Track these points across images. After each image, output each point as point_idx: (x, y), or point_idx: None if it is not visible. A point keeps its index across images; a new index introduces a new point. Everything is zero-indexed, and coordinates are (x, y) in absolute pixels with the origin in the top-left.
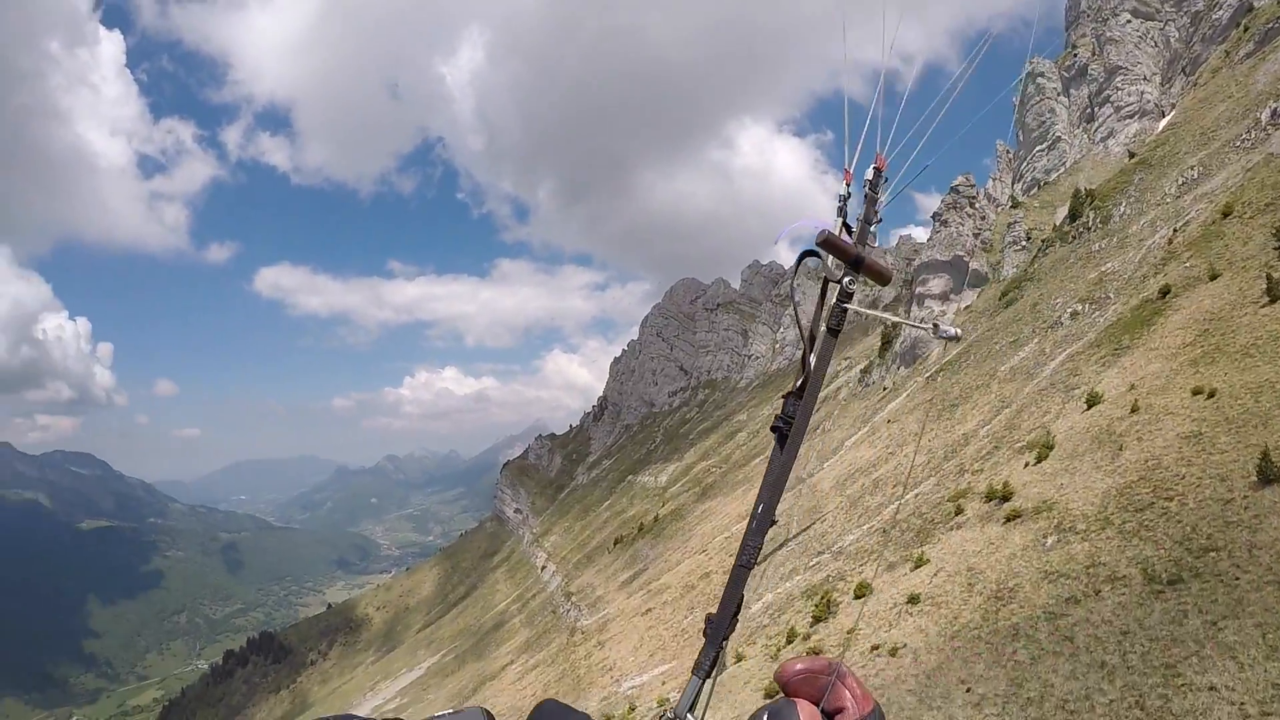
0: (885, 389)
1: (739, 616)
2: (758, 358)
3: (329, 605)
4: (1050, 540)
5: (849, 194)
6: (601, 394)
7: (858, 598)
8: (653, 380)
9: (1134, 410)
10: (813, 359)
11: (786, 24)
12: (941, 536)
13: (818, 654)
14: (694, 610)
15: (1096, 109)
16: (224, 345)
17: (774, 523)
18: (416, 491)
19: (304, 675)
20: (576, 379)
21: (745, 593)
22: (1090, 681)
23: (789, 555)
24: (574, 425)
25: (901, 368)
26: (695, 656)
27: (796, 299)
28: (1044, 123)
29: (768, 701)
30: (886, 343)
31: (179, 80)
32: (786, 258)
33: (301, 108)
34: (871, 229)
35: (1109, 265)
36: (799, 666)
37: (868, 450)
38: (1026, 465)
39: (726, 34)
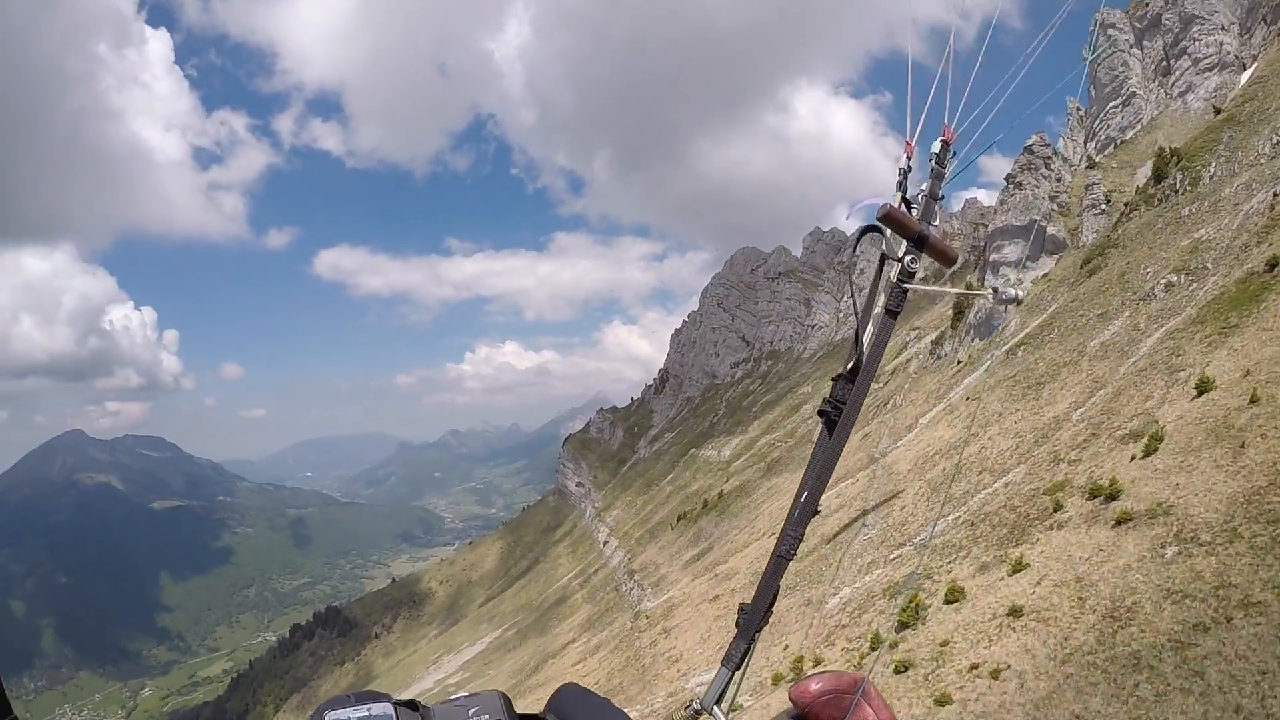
0: (959, 362)
1: (774, 609)
2: (821, 327)
3: (393, 579)
4: (1170, 551)
5: (910, 167)
6: (662, 366)
7: (949, 603)
8: (714, 351)
9: (1253, 401)
10: (866, 341)
11: None
12: (1040, 536)
13: (843, 672)
14: None
15: (1173, 61)
16: (287, 327)
17: (817, 512)
18: (479, 465)
19: (368, 648)
20: (637, 351)
21: (781, 584)
22: None
23: (867, 546)
24: (635, 398)
25: (976, 339)
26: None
27: (854, 277)
28: (1117, 77)
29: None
30: (959, 313)
31: (228, 73)
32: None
33: (351, 92)
34: (937, 205)
35: (1203, 232)
36: (819, 687)
37: (946, 430)
38: (1133, 459)
39: None
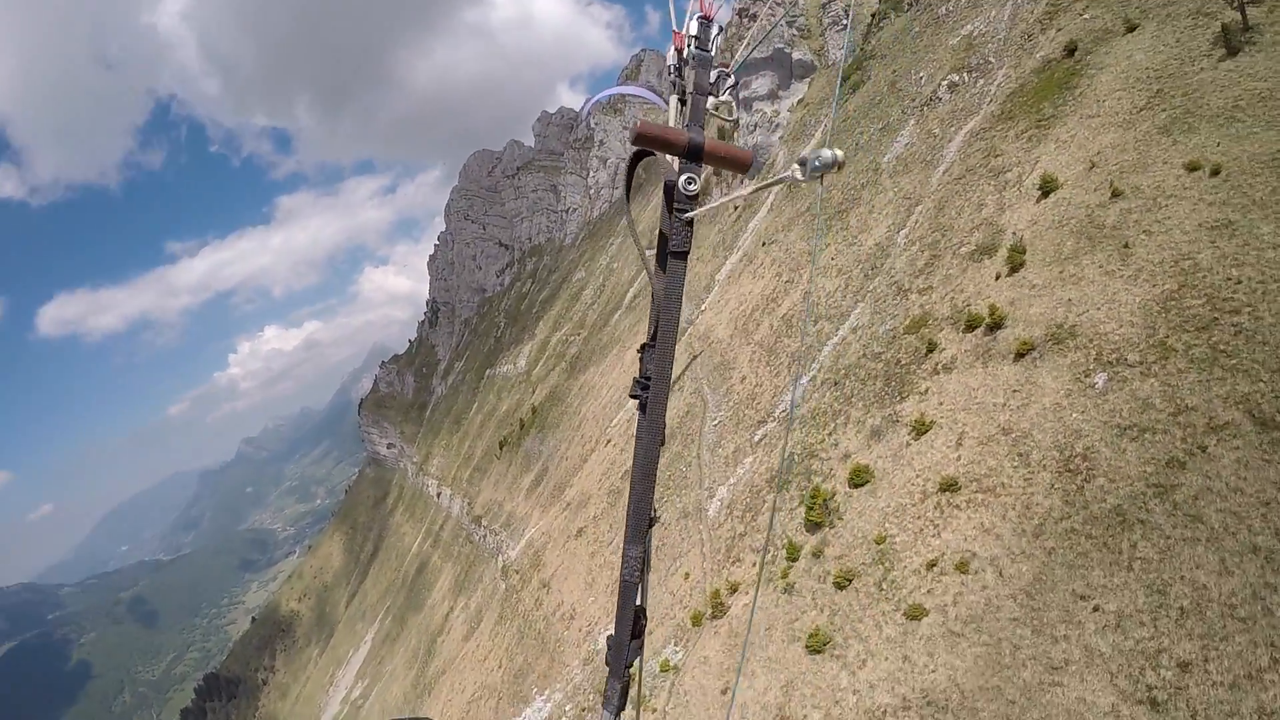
0: (735, 207)
1: (642, 638)
2: (575, 209)
3: (253, 616)
4: (1100, 380)
5: (682, 61)
6: (429, 297)
7: (858, 485)
8: (475, 265)
9: (1115, 194)
10: (660, 292)
11: None
12: (927, 384)
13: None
14: None
15: None
16: (34, 406)
17: (655, 520)
18: (286, 463)
19: (263, 698)
20: (397, 289)
21: (643, 605)
22: (1250, 574)
23: (722, 433)
24: (412, 339)
25: (744, 180)
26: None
27: (632, 221)
28: None
29: None
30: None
31: None
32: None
33: (14, 123)
34: (712, 102)
35: (970, 27)
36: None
37: (753, 283)
38: (999, 277)
39: None
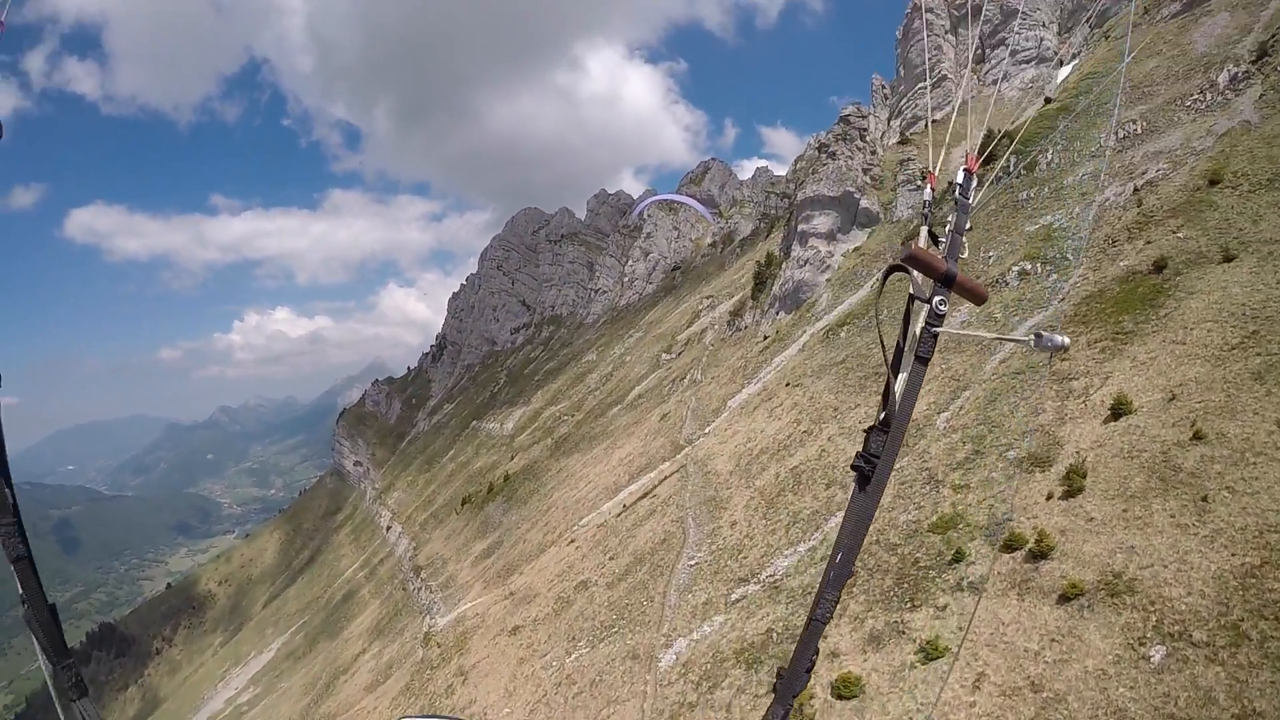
0: (766, 337)
1: (812, 672)
2: (605, 291)
3: (170, 581)
4: (1158, 654)
5: (933, 198)
6: (440, 332)
7: (843, 697)
8: (494, 316)
9: (1197, 437)
10: (898, 389)
11: None
12: (949, 601)
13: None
14: (576, 644)
15: (989, 50)
16: (36, 299)
17: (853, 574)
18: (255, 443)
19: (151, 667)
20: (415, 314)
21: (820, 646)
22: None
23: (697, 576)
24: (411, 367)
25: (781, 313)
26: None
27: (879, 320)
28: (929, 59)
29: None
30: (760, 282)
31: None
32: (634, 188)
33: (114, 26)
34: (963, 239)
35: (1050, 219)
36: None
37: (767, 421)
38: (1051, 497)
39: None
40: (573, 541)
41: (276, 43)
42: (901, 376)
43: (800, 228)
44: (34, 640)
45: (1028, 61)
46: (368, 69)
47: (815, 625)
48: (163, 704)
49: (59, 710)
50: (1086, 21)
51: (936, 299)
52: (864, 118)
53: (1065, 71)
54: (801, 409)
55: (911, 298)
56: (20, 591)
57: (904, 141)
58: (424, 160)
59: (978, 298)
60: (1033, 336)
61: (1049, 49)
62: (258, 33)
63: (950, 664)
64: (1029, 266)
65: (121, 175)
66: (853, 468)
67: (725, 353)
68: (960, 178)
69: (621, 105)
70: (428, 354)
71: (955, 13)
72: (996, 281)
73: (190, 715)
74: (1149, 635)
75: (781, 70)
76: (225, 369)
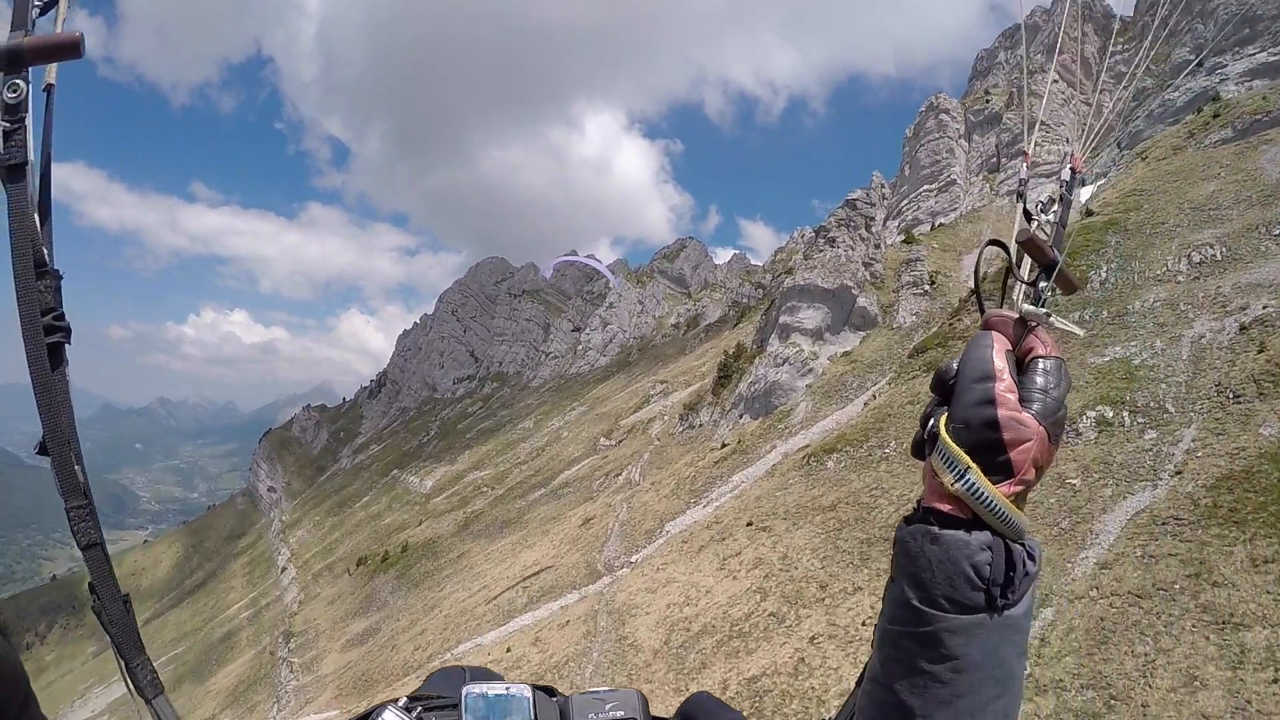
0: (724, 444)
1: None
2: (556, 357)
3: (72, 566)
4: None
5: (1028, 177)
6: (383, 368)
7: None
8: (439, 362)
9: None
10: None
11: (672, 11)
12: None
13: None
14: None
15: (1005, 160)
16: None
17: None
18: (187, 441)
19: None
20: (372, 344)
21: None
22: None
23: None
24: (347, 398)
25: (747, 416)
26: None
27: (982, 293)
28: (938, 162)
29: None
30: (725, 376)
31: None
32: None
33: None
34: (1063, 235)
35: (1123, 351)
36: (1007, 313)
37: (717, 575)
38: None
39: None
40: (424, 666)
41: (285, 43)
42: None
43: (782, 319)
44: (107, 635)
45: (1048, 177)
46: (367, 89)
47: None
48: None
49: (136, 709)
50: (1116, 143)
51: (1041, 284)
52: (872, 205)
53: (1089, 191)
54: (770, 572)
55: (1006, 271)
56: (90, 581)
57: (909, 241)
58: (407, 191)
59: (1072, 288)
60: (1044, 313)
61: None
62: (270, 29)
63: None
64: (1110, 414)
65: (108, 140)
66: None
67: (672, 452)
68: (1067, 175)
69: (610, 175)
70: (366, 388)
71: (971, 118)
72: (1067, 430)
73: None
74: None
75: (770, 166)
76: (171, 360)
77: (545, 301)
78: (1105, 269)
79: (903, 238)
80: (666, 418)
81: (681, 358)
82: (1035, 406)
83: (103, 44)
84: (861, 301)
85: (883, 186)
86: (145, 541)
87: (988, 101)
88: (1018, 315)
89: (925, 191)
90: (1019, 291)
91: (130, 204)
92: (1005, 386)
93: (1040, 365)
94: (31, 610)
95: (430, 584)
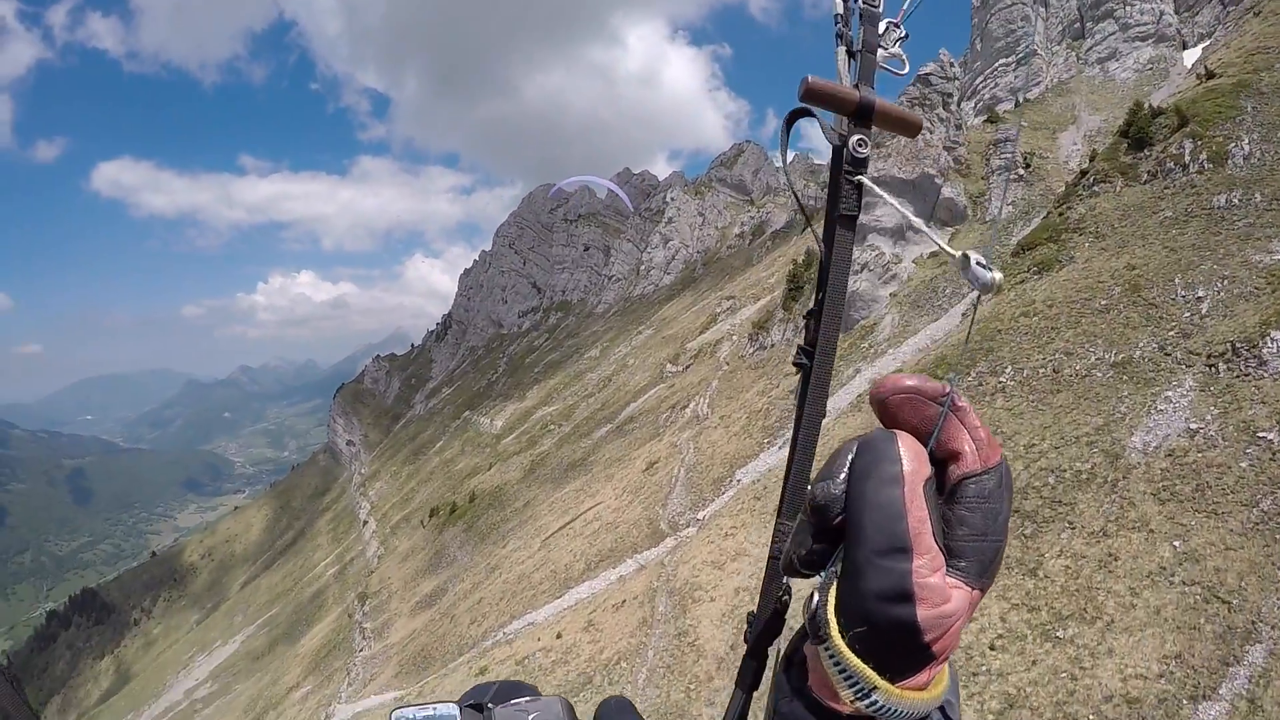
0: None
1: (784, 616)
2: (618, 279)
3: (177, 537)
4: None
5: (847, 8)
6: (448, 310)
7: None
8: (502, 297)
9: None
10: (826, 258)
11: None
12: None
13: (929, 378)
14: None
15: (1090, 25)
16: (62, 251)
17: (812, 498)
18: (272, 404)
19: (128, 638)
20: (440, 286)
21: (787, 582)
22: None
23: None
24: (415, 345)
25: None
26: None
27: (790, 183)
28: (1013, 32)
29: (859, 434)
30: (795, 287)
31: None
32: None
33: None
34: (880, 59)
35: None
36: (907, 384)
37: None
38: None
39: None
40: (482, 671)
41: (305, 3)
42: (827, 244)
43: (861, 218)
44: None
45: (1144, 39)
46: (396, 33)
47: (773, 562)
48: (132, 680)
49: None
50: None
51: (855, 139)
52: (949, 80)
53: (1196, 54)
54: None
55: (835, 146)
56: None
57: (992, 120)
58: (453, 131)
59: (909, 127)
60: (962, 255)
61: (1169, 26)
62: None
63: None
64: None
65: (148, 131)
66: (794, 364)
67: (743, 378)
68: None
69: (660, 87)
70: (432, 332)
71: None
72: (1226, 354)
73: (150, 702)
74: None
75: (826, 58)
76: (248, 329)
77: (603, 224)
78: (1247, 141)
79: (985, 117)
80: (735, 338)
81: (749, 269)
82: (968, 564)
83: (118, 43)
84: (947, 192)
85: (952, 65)
86: (235, 509)
87: None
88: (938, 388)
89: (1002, 66)
90: (847, 149)
91: (182, 188)
92: (928, 564)
93: (974, 490)
94: (136, 587)
95: (495, 536)
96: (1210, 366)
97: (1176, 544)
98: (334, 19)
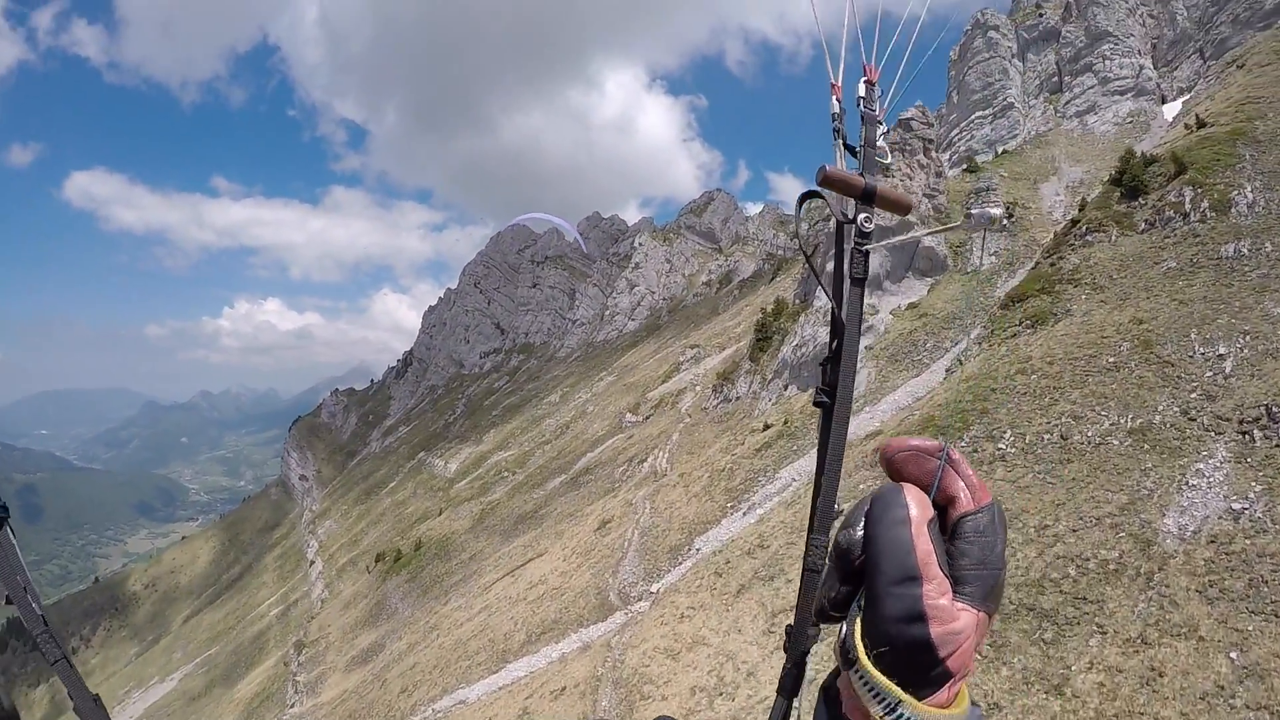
0: (767, 425)
1: (820, 624)
2: (583, 324)
3: (125, 561)
4: None
5: (841, 110)
6: (410, 347)
7: None
8: (465, 337)
9: None
10: (844, 317)
11: None
12: None
13: (926, 439)
14: None
15: (1069, 79)
16: (28, 257)
17: (839, 514)
18: (231, 431)
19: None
20: (406, 322)
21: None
22: None
23: None
24: (374, 380)
25: (793, 387)
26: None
27: (804, 252)
28: (991, 85)
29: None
30: (763, 337)
31: None
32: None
33: None
34: (877, 153)
35: None
36: (910, 444)
37: (769, 648)
38: None
39: None
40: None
41: (289, 28)
42: (843, 302)
43: (829, 266)
44: None
45: (1123, 93)
46: (377, 65)
47: (809, 576)
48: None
49: None
50: (1199, 53)
51: (861, 216)
52: (928, 124)
53: (1176, 107)
54: None
55: (839, 225)
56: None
57: (971, 169)
58: (428, 167)
59: (901, 208)
60: (964, 217)
61: (1150, 80)
62: (274, 15)
63: None
64: None
65: (123, 144)
66: (816, 404)
67: (705, 432)
68: (863, 90)
69: (635, 135)
70: (393, 369)
71: (1024, 35)
72: (1261, 420)
73: None
74: None
75: (798, 116)
76: (210, 353)
77: (570, 267)
78: (1250, 189)
79: (965, 167)
80: (699, 388)
81: (715, 318)
82: (972, 589)
83: (100, 53)
84: (927, 241)
85: (924, 114)
86: (183, 538)
87: (1040, 15)
88: (935, 445)
89: (979, 118)
90: (857, 225)
91: (154, 205)
92: (936, 588)
93: (970, 526)
94: (76, 614)
95: (438, 591)
96: (1244, 434)
97: (1234, 656)
98: (317, 47)
